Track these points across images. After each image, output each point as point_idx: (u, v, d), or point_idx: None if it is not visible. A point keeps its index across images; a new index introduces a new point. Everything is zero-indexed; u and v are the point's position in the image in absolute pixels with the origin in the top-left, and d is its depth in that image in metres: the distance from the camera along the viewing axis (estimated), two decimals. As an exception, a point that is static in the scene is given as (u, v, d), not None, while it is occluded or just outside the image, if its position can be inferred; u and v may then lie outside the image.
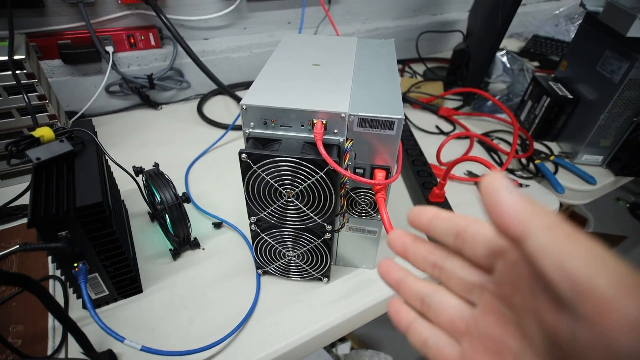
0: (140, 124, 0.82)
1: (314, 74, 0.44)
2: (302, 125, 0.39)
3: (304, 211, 0.41)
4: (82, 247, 0.40)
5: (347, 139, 0.39)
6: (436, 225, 0.21)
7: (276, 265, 0.49)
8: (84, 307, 0.46)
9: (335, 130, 0.39)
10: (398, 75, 0.46)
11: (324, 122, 0.38)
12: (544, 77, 0.84)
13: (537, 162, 0.74)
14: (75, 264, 0.41)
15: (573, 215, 1.51)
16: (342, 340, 1.19)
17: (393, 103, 0.39)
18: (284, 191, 0.40)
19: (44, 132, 0.43)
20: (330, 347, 1.16)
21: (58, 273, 0.49)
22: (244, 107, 0.38)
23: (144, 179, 0.53)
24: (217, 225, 0.58)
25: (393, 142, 0.39)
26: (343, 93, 0.40)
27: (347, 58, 0.49)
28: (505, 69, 0.98)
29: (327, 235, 0.44)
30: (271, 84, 0.42)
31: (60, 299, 0.46)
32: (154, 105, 0.87)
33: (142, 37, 0.81)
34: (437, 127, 0.88)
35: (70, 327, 0.37)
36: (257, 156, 0.37)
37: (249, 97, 0.39)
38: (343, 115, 0.37)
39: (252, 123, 0.39)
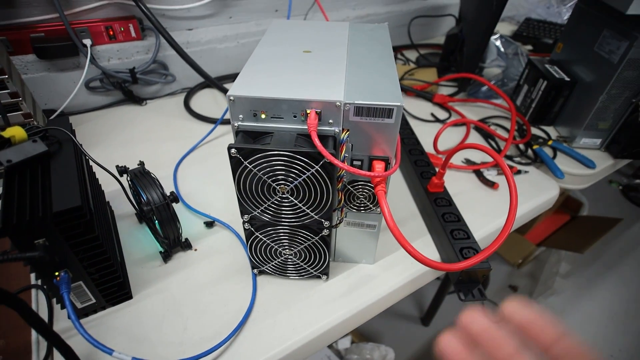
0: (124, 120, 0.79)
1: (306, 61, 0.42)
2: (295, 116, 0.36)
3: (299, 207, 0.39)
4: (63, 255, 0.37)
5: (343, 130, 0.37)
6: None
7: (272, 265, 0.47)
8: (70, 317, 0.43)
9: (330, 121, 0.36)
10: (394, 60, 0.43)
11: (318, 112, 0.35)
12: (539, 60, 0.82)
13: (535, 147, 0.73)
14: (57, 273, 0.38)
15: (568, 200, 1.51)
16: (342, 333, 1.18)
17: (390, 89, 0.37)
18: (277, 187, 0.37)
19: (15, 132, 0.40)
20: (330, 341, 1.15)
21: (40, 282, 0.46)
22: (232, 98, 0.35)
23: (128, 179, 0.50)
24: (209, 224, 0.55)
25: (392, 131, 0.37)
26: (337, 80, 0.38)
27: (340, 44, 0.46)
28: (499, 53, 0.96)
29: (325, 232, 0.42)
30: (260, 72, 0.39)
31: (44, 309, 0.44)
32: (138, 100, 0.83)
33: (122, 29, 0.77)
34: (432, 114, 0.85)
35: (55, 342, 0.35)
36: (247, 151, 0.35)
37: (236, 88, 0.36)
38: (338, 104, 0.35)
39: (240, 115, 0.37)
